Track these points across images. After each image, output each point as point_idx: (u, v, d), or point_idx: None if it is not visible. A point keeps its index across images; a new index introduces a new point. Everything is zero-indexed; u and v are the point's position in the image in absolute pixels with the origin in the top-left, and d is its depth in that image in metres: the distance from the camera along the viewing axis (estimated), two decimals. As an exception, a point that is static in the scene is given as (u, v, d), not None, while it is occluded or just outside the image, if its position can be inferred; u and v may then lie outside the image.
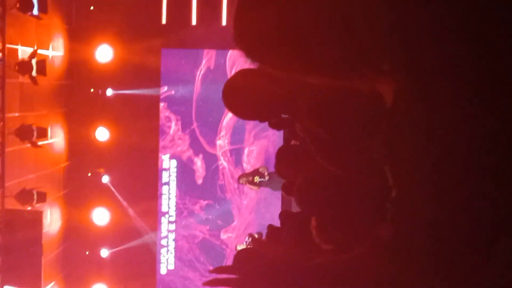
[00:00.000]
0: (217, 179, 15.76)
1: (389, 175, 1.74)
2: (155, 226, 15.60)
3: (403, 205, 1.72)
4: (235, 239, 15.59)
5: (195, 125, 15.67)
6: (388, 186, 1.75)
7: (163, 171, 15.78)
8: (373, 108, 1.81)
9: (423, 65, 1.64)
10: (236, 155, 15.73)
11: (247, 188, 15.00)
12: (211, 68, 15.31)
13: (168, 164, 15.77)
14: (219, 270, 2.13)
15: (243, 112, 3.30)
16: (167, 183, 15.77)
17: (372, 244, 1.89)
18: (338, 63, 1.71)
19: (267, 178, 14.37)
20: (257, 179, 14.40)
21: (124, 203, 15.20)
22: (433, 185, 1.65)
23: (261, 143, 15.58)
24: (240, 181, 14.82)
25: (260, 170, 14.74)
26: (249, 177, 14.56)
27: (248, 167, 15.54)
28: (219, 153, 15.71)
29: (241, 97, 3.14)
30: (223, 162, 15.74)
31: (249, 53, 1.84)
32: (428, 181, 1.65)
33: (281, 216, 10.20)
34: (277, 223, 9.51)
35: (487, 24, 1.62)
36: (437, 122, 1.63)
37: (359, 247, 1.92)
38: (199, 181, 15.75)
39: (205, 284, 2.11)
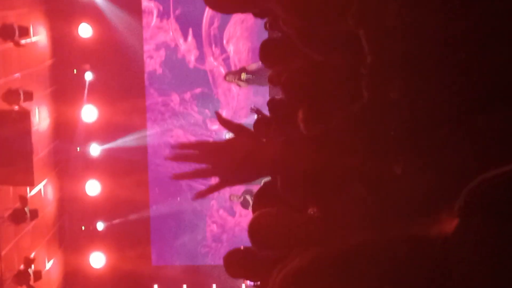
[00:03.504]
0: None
1: (364, 42, 1.74)
2: (144, 123, 15.70)
3: (377, 70, 1.74)
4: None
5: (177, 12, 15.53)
6: (363, 53, 1.76)
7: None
8: None
9: None
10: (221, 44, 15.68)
11: (235, 85, 15.02)
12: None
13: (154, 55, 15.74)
14: (180, 146, 2.11)
15: (222, 5, 3.28)
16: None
17: (346, 115, 1.92)
18: None
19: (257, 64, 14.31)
20: (243, 76, 14.38)
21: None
22: (406, 48, 1.66)
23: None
24: (227, 78, 14.83)
25: (247, 67, 14.72)
26: (236, 75, 14.55)
27: (231, 50, 15.51)
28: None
29: None
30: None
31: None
32: (401, 44, 1.66)
33: (270, 103, 10.29)
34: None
35: None
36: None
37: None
38: (191, 66, 15.74)
39: (167, 158, 2.12)
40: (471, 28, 1.62)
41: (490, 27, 1.59)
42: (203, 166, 2.06)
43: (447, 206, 1.63)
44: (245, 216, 15.40)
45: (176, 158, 2.11)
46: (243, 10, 3.34)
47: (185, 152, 2.08)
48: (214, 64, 15.61)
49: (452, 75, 1.68)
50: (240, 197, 15.15)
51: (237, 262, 4.91)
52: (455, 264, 1.54)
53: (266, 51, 6.39)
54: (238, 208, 15.84)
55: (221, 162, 2.06)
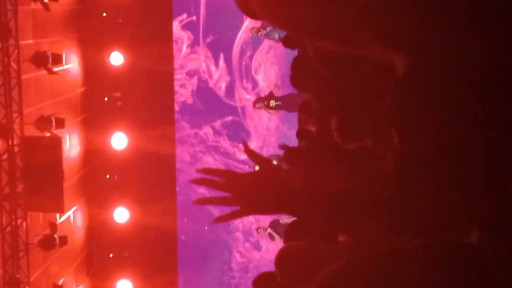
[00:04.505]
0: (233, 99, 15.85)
1: (394, 134, 1.78)
2: (173, 149, 15.75)
3: (404, 163, 1.78)
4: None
5: (209, 39, 15.67)
6: (393, 141, 1.79)
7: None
8: (383, 73, 1.83)
9: (438, 47, 1.67)
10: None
11: (265, 112, 15.08)
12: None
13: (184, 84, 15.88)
14: (205, 171, 2.16)
15: (253, 12, 3.30)
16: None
17: (372, 180, 1.96)
18: (353, 33, 1.72)
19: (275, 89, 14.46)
20: (272, 103, 14.45)
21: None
22: (436, 157, 1.71)
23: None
24: (256, 105, 14.89)
25: (274, 92, 14.81)
26: (264, 102, 14.62)
27: (259, 78, 15.58)
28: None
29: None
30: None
31: (255, 13, 1.85)
32: (432, 146, 1.71)
33: (299, 133, 10.29)
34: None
35: (501, 13, 1.63)
36: (446, 101, 1.66)
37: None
38: (221, 93, 15.82)
39: (192, 181, 2.15)
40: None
41: None
42: (226, 194, 2.12)
43: (469, 221, 1.64)
44: (273, 252, 15.35)
45: (200, 182, 2.15)
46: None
47: (210, 178, 2.14)
48: (245, 97, 15.68)
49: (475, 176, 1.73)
50: (266, 230, 15.14)
51: (266, 285, 4.89)
52: (487, 269, 1.58)
53: (296, 70, 6.37)
54: (264, 242, 15.82)
55: (244, 192, 2.10)
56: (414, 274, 1.77)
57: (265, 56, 15.69)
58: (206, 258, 16.25)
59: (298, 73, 6.38)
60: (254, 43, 15.67)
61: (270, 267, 3.83)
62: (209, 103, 15.91)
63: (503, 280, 1.62)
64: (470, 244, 1.72)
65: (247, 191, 2.13)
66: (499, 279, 1.62)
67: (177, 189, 16.03)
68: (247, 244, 16.02)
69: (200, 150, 16.05)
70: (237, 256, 16.20)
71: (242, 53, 15.72)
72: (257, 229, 15.41)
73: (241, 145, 15.75)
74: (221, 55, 15.78)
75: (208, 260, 16.26)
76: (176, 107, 15.92)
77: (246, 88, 15.76)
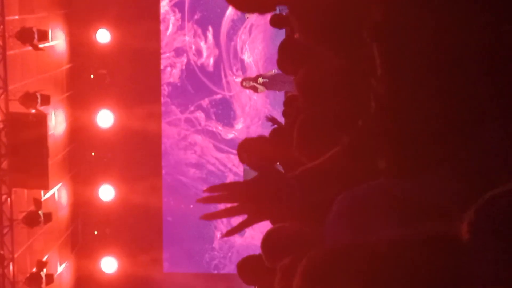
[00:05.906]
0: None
1: (377, 54, 1.78)
2: (158, 128, 15.73)
3: (387, 82, 1.78)
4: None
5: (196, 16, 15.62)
6: (374, 65, 1.80)
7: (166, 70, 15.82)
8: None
9: None
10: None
11: (252, 91, 14.97)
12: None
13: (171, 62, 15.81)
14: (211, 189, 2.19)
15: (241, 4, 3.29)
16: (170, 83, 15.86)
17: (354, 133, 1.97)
18: None
19: (274, 72, 14.26)
20: (260, 80, 14.37)
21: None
22: (418, 66, 1.70)
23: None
24: (244, 84, 14.78)
25: (263, 74, 14.73)
26: (252, 80, 14.53)
27: (245, 56, 15.55)
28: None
29: None
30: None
31: None
32: (414, 62, 1.71)
33: (285, 112, 10.23)
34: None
35: None
36: (432, 12, 1.66)
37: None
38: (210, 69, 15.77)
39: (198, 200, 2.18)
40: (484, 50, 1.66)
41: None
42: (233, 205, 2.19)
43: (460, 216, 1.63)
44: (253, 238, 15.34)
45: (208, 200, 2.18)
46: (264, 10, 3.35)
47: (215, 194, 2.17)
48: (234, 80, 15.63)
49: (463, 91, 1.71)
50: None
51: (250, 268, 4.92)
52: (472, 269, 1.56)
53: (284, 53, 6.33)
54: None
55: (249, 201, 2.12)
56: (400, 265, 1.75)
57: (250, 33, 15.64)
58: (191, 236, 16.30)
59: (285, 58, 6.34)
60: (242, 22, 15.63)
61: (255, 244, 3.87)
62: (197, 82, 15.87)
63: (492, 279, 1.59)
64: (460, 239, 1.68)
65: (252, 200, 2.16)
66: (488, 278, 1.59)
67: (163, 170, 16.04)
68: (229, 227, 16.10)
69: (190, 133, 16.04)
70: (219, 236, 16.27)
71: (230, 32, 15.66)
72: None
73: (227, 127, 15.75)
74: (209, 33, 15.71)
75: (193, 238, 16.31)
76: (165, 89, 15.86)
77: (234, 72, 15.73)
